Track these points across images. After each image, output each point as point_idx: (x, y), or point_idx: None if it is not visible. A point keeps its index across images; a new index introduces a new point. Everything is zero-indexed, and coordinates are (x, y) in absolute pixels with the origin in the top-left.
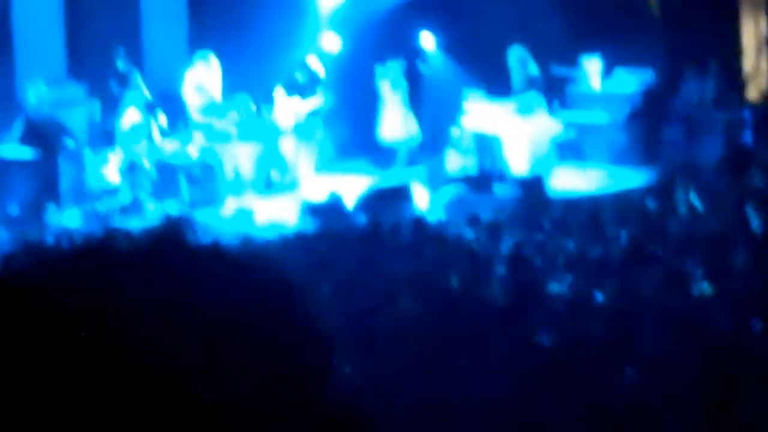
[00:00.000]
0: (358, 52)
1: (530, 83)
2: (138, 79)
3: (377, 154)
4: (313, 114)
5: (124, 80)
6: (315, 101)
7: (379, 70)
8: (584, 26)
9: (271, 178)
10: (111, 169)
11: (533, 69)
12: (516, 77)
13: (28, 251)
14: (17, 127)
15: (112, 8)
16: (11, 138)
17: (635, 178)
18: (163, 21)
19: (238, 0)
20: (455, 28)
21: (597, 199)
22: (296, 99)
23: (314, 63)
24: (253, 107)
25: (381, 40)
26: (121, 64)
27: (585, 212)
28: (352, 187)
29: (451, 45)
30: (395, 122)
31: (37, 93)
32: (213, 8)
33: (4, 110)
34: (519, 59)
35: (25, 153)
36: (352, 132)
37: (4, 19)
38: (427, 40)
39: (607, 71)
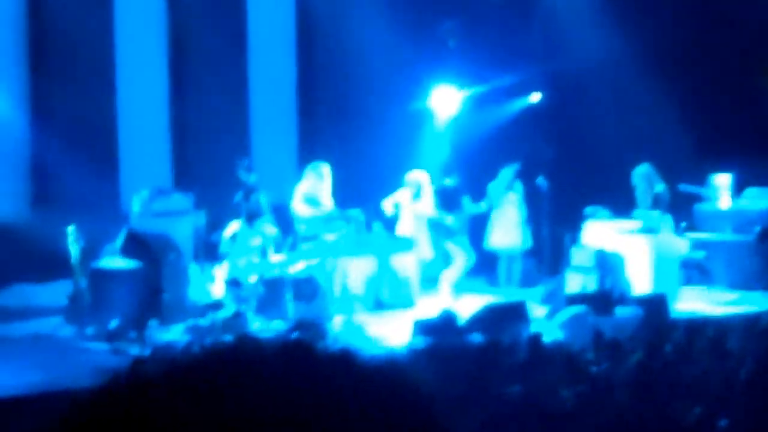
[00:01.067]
0: (472, 162)
1: (656, 200)
2: (250, 189)
3: (491, 269)
4: (424, 228)
5: (237, 190)
6: (427, 214)
7: (495, 180)
8: (714, 142)
9: (382, 295)
10: (215, 283)
11: (659, 186)
12: (641, 194)
13: (154, 357)
14: (120, 238)
15: (220, 118)
16: (114, 249)
17: (765, 302)
18: (273, 130)
19: (352, 109)
20: (575, 140)
21: (723, 322)
22: (408, 212)
23: (426, 177)
24: (365, 221)
25: (497, 150)
26: (242, 174)
27: (710, 336)
28: (466, 304)
29: (571, 157)
30: (510, 235)
31: (141, 202)
32: (326, 117)
33: (108, 220)
34: (644, 175)
35: (128, 264)
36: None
37: (110, 127)
38: (546, 152)
39: (738, 189)
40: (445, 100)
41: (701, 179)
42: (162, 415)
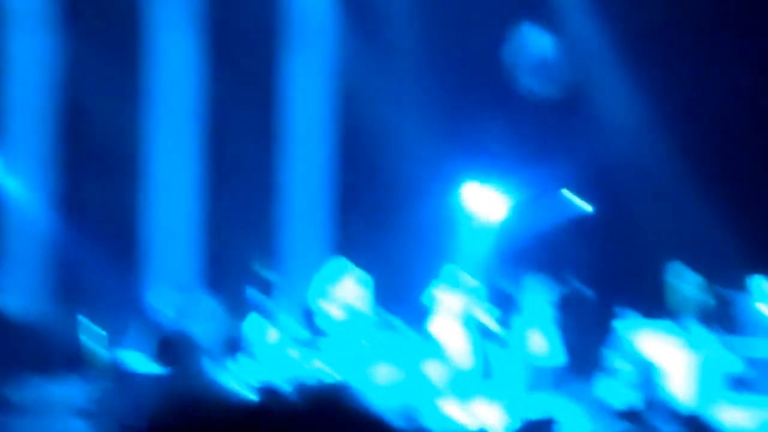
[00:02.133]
0: (505, 265)
1: (692, 305)
2: (277, 290)
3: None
4: (458, 336)
5: (262, 291)
6: (460, 323)
7: (526, 284)
8: (756, 242)
9: (412, 403)
10: (237, 383)
11: (696, 289)
12: (674, 297)
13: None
14: (146, 337)
15: (248, 215)
16: (132, 345)
17: None
18: (303, 227)
19: (382, 207)
20: (608, 246)
21: None
22: (442, 319)
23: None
24: (395, 325)
25: (530, 256)
26: (261, 273)
27: None
28: (495, 416)
29: (602, 263)
30: (538, 342)
31: (170, 303)
32: (357, 217)
33: (124, 314)
34: (678, 277)
35: (154, 366)
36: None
37: (136, 221)
38: (578, 259)
39: None
40: (483, 199)
41: (742, 283)
42: None
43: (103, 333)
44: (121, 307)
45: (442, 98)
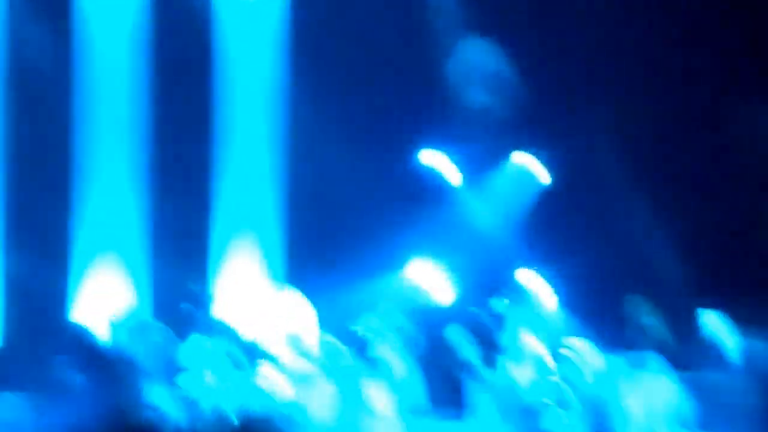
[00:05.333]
0: (456, 291)
1: (647, 337)
2: (204, 301)
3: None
4: (402, 357)
5: (196, 308)
6: (406, 347)
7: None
8: (710, 278)
9: (352, 428)
10: (172, 404)
11: (652, 321)
12: (632, 329)
13: None
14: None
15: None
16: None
17: None
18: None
19: (336, 236)
20: (565, 271)
21: None
22: (386, 343)
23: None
24: (337, 346)
25: (480, 280)
26: (194, 289)
27: None
28: None
29: (559, 288)
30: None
31: (104, 320)
32: (306, 243)
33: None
34: (637, 308)
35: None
36: (443, 378)
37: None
38: (531, 281)
39: (735, 327)
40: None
41: (692, 316)
42: None
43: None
44: (53, 323)
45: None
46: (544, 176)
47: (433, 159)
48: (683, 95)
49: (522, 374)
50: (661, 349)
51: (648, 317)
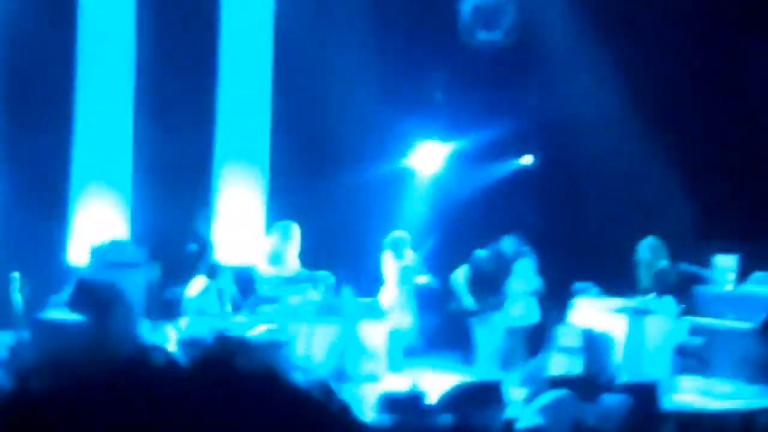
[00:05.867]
0: (450, 228)
1: (657, 279)
2: (211, 246)
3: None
4: (402, 298)
5: (196, 247)
6: (405, 284)
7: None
8: (721, 220)
9: (345, 366)
10: (168, 343)
11: (663, 263)
12: (643, 271)
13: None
14: (69, 289)
15: (183, 168)
16: (60, 300)
17: (766, 396)
18: (240, 183)
19: (327, 165)
20: (567, 208)
21: (718, 417)
22: (392, 277)
23: (405, 240)
24: (335, 285)
25: (477, 217)
26: (198, 229)
27: (702, 430)
28: (437, 382)
29: (559, 230)
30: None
31: (94, 252)
32: (298, 173)
33: (56, 270)
34: (649, 250)
35: (74, 317)
36: (443, 321)
37: (63, 172)
38: (532, 220)
39: (744, 273)
40: (430, 157)
41: (704, 260)
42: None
43: (27, 284)
44: (47, 258)
45: (389, 48)
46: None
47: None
48: (691, 33)
49: (526, 317)
50: (672, 292)
51: (662, 260)
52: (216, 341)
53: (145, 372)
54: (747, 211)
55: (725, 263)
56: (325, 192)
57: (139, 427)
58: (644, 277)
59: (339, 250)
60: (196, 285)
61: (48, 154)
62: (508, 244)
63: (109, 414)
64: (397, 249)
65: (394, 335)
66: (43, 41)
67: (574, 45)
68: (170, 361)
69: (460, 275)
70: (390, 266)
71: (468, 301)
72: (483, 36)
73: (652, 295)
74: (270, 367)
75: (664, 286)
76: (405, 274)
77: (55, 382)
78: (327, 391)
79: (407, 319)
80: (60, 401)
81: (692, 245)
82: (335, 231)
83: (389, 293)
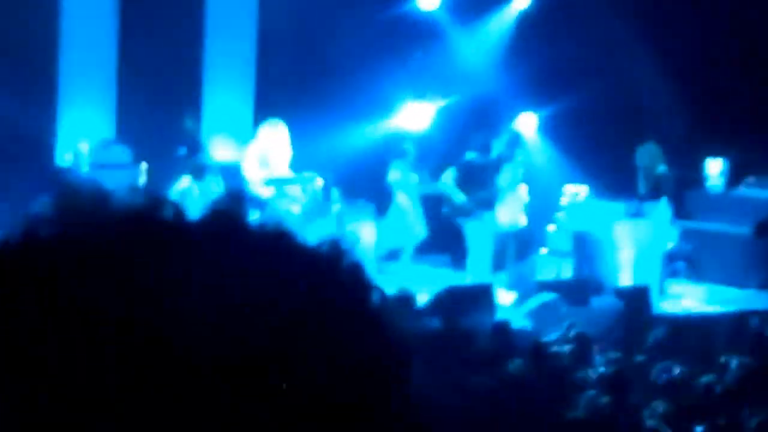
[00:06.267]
0: (447, 128)
1: (657, 184)
2: (201, 147)
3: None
4: (397, 197)
5: (184, 145)
6: (398, 179)
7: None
8: (712, 123)
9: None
10: None
11: (662, 168)
12: (642, 177)
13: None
14: (53, 190)
15: (170, 67)
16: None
17: (757, 300)
18: (227, 82)
19: (313, 65)
20: (563, 114)
21: (710, 321)
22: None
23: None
24: (322, 185)
25: (473, 119)
26: (186, 124)
27: (693, 334)
28: (428, 283)
29: (557, 132)
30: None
31: (79, 153)
32: (286, 73)
33: (44, 173)
34: (649, 155)
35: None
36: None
37: (49, 69)
38: (528, 123)
39: (736, 176)
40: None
41: (694, 163)
42: (52, 282)
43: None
44: (33, 161)
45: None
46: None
47: None
48: None
49: (516, 219)
50: (668, 195)
51: (660, 165)
52: (226, 196)
53: (154, 224)
54: (738, 114)
55: (716, 167)
56: (311, 90)
57: (144, 280)
58: (642, 182)
59: (329, 153)
60: (180, 186)
61: (33, 51)
62: (498, 142)
63: (117, 267)
64: (403, 158)
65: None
66: None
67: None
68: (179, 214)
69: (449, 176)
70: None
71: (459, 197)
72: None
73: (647, 197)
74: (280, 223)
75: (662, 191)
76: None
77: (64, 231)
78: (338, 250)
79: (419, 227)
80: (68, 250)
81: (681, 148)
82: (324, 132)
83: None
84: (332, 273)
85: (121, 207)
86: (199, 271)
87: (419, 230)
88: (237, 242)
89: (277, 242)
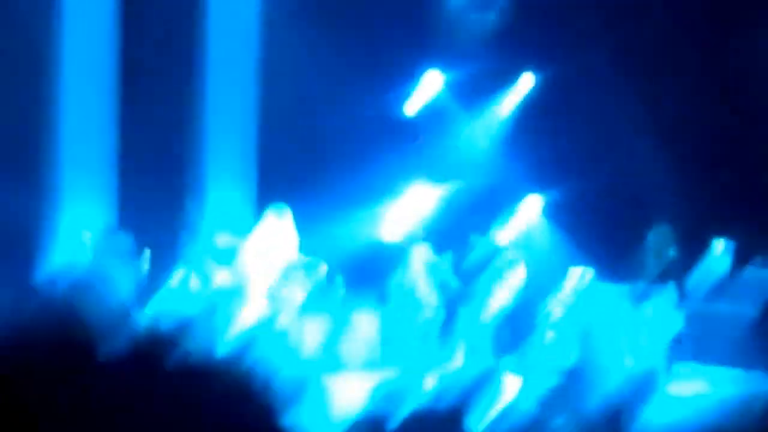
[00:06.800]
0: (450, 217)
1: (667, 268)
2: (199, 233)
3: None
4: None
5: (184, 233)
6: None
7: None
8: (717, 203)
9: (337, 357)
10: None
11: (672, 251)
12: (651, 259)
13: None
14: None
15: (171, 153)
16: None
17: (763, 382)
18: (228, 168)
19: (318, 147)
20: (568, 197)
21: (716, 402)
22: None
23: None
24: (325, 273)
25: (477, 205)
26: (186, 214)
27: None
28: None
29: (562, 215)
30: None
31: (82, 241)
32: (288, 157)
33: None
34: (662, 238)
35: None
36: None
37: (48, 159)
38: (534, 206)
39: (742, 258)
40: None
41: (701, 244)
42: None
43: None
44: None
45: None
46: (546, 98)
47: (434, 81)
48: (690, 22)
49: (513, 299)
50: (674, 279)
51: (671, 247)
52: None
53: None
54: (746, 195)
55: (721, 247)
56: (315, 171)
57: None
58: (651, 264)
59: (332, 236)
60: (179, 274)
61: (34, 141)
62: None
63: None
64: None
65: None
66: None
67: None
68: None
69: (446, 261)
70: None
71: (454, 282)
72: (475, 17)
73: (653, 280)
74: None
75: (670, 274)
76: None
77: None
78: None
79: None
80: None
81: (687, 229)
82: (330, 218)
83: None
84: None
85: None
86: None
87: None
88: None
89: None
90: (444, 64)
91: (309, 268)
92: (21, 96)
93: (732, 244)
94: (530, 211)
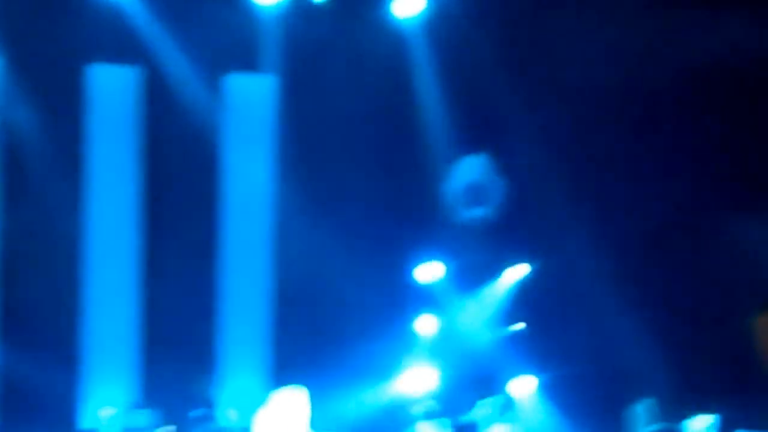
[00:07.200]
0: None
1: None
2: (218, 409)
3: None
4: None
5: (204, 409)
6: None
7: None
8: (696, 377)
9: None
10: None
11: (658, 426)
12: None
13: None
14: None
15: (191, 327)
16: None
17: None
18: (244, 344)
19: (329, 329)
20: (559, 379)
21: None
22: None
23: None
24: None
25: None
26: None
27: None
28: None
29: (553, 392)
30: None
31: (106, 419)
32: (302, 337)
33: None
34: (647, 413)
35: None
36: None
37: (73, 334)
38: (526, 386)
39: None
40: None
41: (682, 418)
42: None
43: None
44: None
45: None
46: (537, 286)
47: (429, 270)
48: (672, 210)
49: None
50: None
51: (655, 423)
52: None
53: None
54: (725, 371)
55: (703, 423)
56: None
57: None
58: None
59: (343, 412)
60: None
61: (57, 317)
62: (491, 403)
63: None
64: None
65: None
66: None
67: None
68: None
69: None
70: None
71: None
72: (471, 212)
73: None
74: None
75: None
76: None
77: None
78: None
79: None
80: None
81: (669, 405)
82: (341, 394)
83: None
84: None
85: None
86: None
87: None
88: None
89: None
90: (444, 255)
91: None
92: (50, 273)
93: (716, 417)
94: (524, 388)
